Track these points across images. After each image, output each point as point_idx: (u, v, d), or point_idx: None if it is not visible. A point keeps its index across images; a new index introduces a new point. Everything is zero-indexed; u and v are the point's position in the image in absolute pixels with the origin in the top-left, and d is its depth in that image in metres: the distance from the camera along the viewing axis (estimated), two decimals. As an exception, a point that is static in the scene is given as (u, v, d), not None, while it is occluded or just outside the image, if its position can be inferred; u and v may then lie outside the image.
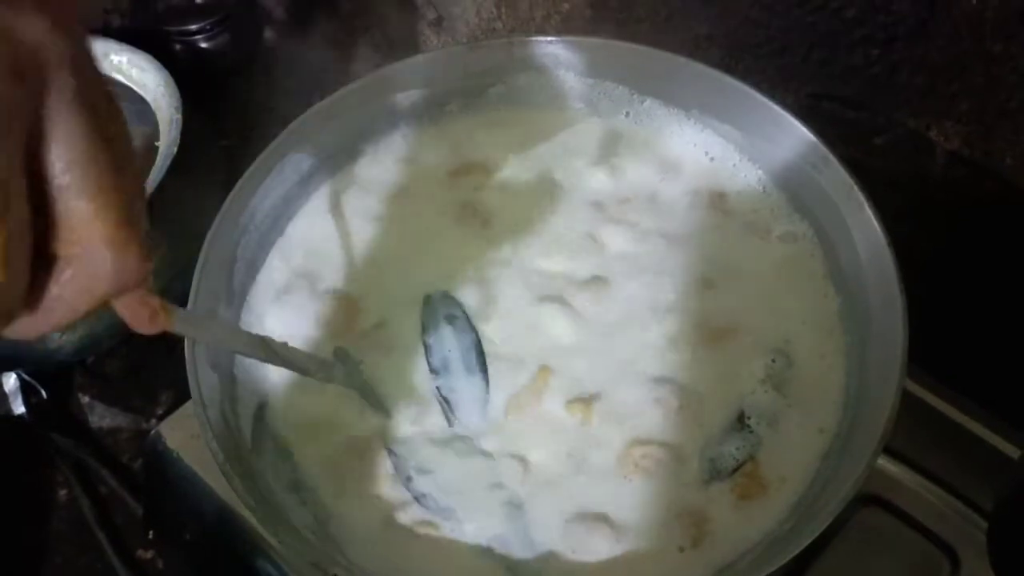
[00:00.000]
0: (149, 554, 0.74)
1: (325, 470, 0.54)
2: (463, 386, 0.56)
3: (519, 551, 0.51)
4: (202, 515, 0.62)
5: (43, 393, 0.79)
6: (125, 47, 0.83)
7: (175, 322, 0.37)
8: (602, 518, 0.51)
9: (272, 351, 0.49)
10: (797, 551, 0.44)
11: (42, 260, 0.29)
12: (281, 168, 0.60)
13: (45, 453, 0.78)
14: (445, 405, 0.55)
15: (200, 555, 0.65)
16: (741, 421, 0.53)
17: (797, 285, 0.58)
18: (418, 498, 0.53)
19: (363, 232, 0.62)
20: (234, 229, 0.57)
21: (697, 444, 0.53)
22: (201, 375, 0.51)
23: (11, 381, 0.78)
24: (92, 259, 0.29)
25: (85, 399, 0.81)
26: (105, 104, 0.30)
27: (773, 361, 0.55)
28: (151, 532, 0.73)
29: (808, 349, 0.56)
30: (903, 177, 0.60)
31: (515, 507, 0.52)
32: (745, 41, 0.66)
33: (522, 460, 0.53)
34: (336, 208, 0.63)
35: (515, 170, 0.64)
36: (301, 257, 0.61)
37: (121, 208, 0.29)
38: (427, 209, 0.63)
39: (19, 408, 0.78)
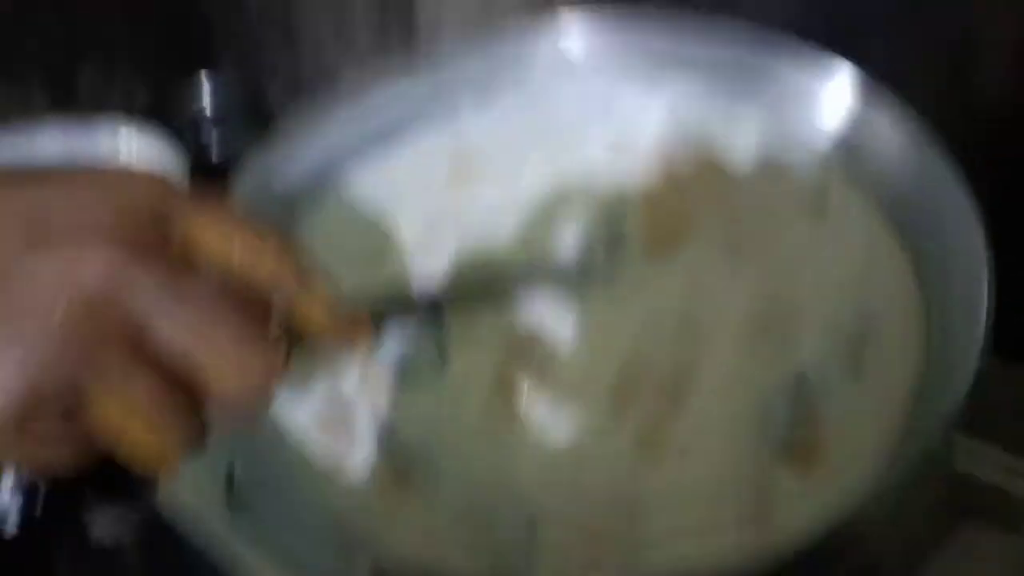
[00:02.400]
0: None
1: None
2: None
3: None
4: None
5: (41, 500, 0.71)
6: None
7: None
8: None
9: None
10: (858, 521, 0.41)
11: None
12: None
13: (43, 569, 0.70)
14: None
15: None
16: (800, 390, 0.48)
17: (864, 256, 0.54)
18: None
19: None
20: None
21: (753, 415, 0.48)
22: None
23: (7, 487, 0.71)
24: (226, 395, 0.33)
25: (88, 513, 0.74)
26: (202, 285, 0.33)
27: (840, 332, 0.50)
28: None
29: (881, 319, 0.51)
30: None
31: None
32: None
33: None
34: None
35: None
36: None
37: (234, 353, 0.32)
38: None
39: (13, 521, 0.70)
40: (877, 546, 0.50)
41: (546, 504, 0.47)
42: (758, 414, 0.48)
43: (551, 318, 0.52)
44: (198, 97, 1.01)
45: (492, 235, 0.57)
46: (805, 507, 0.44)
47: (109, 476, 0.74)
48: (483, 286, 0.52)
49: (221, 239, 0.34)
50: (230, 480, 0.56)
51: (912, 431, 0.45)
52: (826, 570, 0.48)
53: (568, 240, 0.55)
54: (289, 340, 0.35)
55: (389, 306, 0.48)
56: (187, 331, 0.32)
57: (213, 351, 0.32)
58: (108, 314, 0.31)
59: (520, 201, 0.58)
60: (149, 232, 0.32)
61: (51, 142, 0.73)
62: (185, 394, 0.32)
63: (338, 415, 0.51)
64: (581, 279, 0.53)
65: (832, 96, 0.55)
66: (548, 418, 0.49)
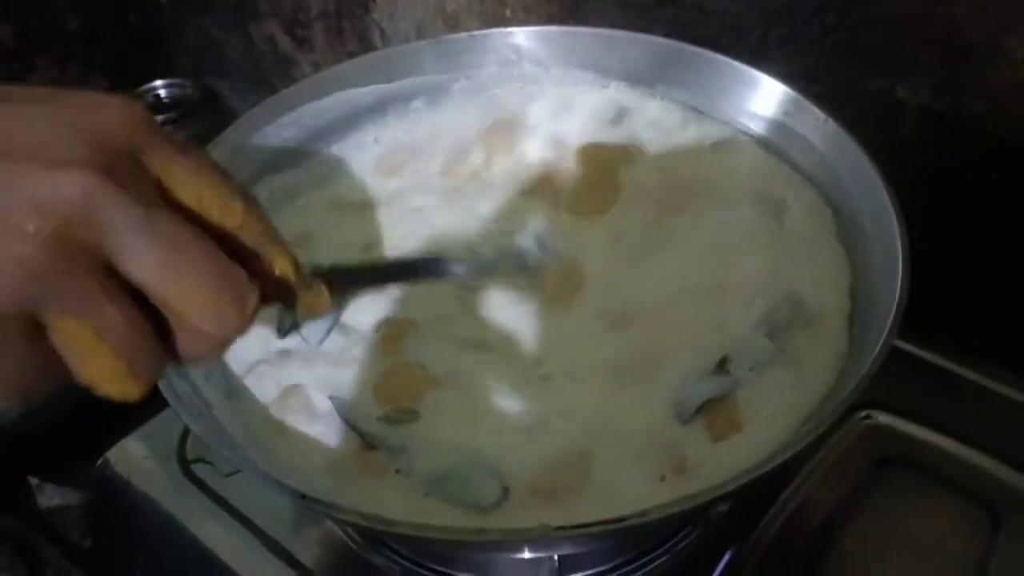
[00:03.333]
0: (99, 635, 0.65)
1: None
2: None
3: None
4: (156, 543, 0.55)
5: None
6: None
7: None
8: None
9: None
10: (773, 465, 0.40)
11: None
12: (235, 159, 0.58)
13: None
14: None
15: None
16: (722, 366, 0.49)
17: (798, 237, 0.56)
18: None
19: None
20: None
21: (667, 389, 0.49)
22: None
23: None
24: (196, 330, 0.32)
25: (35, 481, 0.75)
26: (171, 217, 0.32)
27: (772, 307, 0.52)
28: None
29: (808, 295, 0.52)
30: (877, 143, 0.59)
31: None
32: (703, 34, 0.67)
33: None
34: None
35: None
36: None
37: (207, 289, 0.32)
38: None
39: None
40: (808, 491, 0.54)
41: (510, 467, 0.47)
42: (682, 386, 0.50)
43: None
44: (153, 91, 1.03)
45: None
46: (720, 465, 0.45)
47: (52, 452, 0.76)
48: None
49: (193, 182, 0.33)
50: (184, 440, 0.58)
51: (830, 396, 0.47)
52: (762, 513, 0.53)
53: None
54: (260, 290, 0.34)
55: (347, 276, 0.48)
56: (159, 265, 0.31)
57: (183, 288, 0.31)
58: (80, 238, 0.30)
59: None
60: (122, 161, 0.31)
61: None
62: (151, 325, 0.32)
63: (294, 399, 0.51)
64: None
65: (760, 98, 0.60)
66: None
